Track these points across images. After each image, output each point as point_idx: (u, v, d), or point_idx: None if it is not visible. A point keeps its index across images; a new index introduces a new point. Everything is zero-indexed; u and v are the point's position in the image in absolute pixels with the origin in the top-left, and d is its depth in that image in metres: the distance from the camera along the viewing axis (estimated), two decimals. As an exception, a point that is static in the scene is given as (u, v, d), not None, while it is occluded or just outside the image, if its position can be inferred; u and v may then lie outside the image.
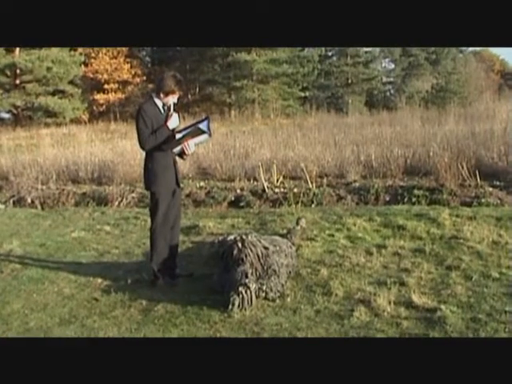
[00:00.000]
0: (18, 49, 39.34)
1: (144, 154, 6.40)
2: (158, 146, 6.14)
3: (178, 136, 6.17)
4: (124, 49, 47.26)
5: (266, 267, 5.68)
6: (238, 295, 5.30)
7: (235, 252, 5.71)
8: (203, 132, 6.20)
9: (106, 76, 45.74)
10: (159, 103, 6.24)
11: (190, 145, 6.24)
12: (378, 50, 60.33)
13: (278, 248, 6.08)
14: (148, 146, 6.12)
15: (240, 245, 5.75)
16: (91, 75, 45.35)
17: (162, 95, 6.20)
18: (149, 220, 9.18)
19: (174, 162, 6.41)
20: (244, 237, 5.85)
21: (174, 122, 6.24)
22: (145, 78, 48.85)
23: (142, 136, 6.09)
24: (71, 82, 42.50)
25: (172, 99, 6.27)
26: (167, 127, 6.16)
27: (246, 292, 5.31)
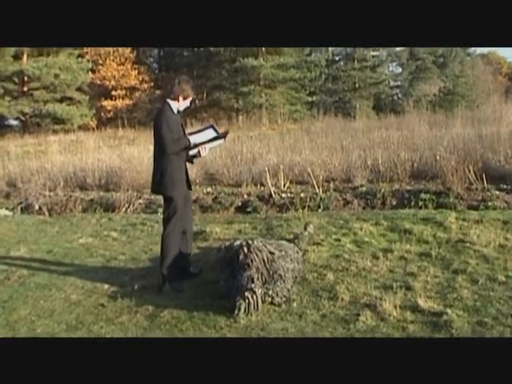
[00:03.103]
0: (25, 56, 39.63)
1: (154, 158, 6.47)
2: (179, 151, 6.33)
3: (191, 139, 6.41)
4: (131, 55, 47.48)
5: (271, 272, 5.68)
6: (244, 300, 5.30)
7: (241, 257, 5.72)
8: (219, 138, 6.52)
9: (113, 82, 45.93)
10: (174, 108, 6.41)
11: (206, 148, 6.52)
12: (385, 54, 60.33)
13: (283, 253, 6.07)
14: (171, 150, 6.25)
15: (246, 250, 5.75)
16: (99, 82, 45.56)
17: (180, 99, 6.41)
18: (156, 226, 9.31)
19: (185, 166, 6.56)
20: (250, 242, 5.86)
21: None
22: (152, 84, 49.04)
23: (166, 141, 6.20)
24: (79, 89, 42.74)
25: (187, 103, 6.56)
26: (188, 139, 6.39)
27: (252, 297, 5.31)
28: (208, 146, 6.54)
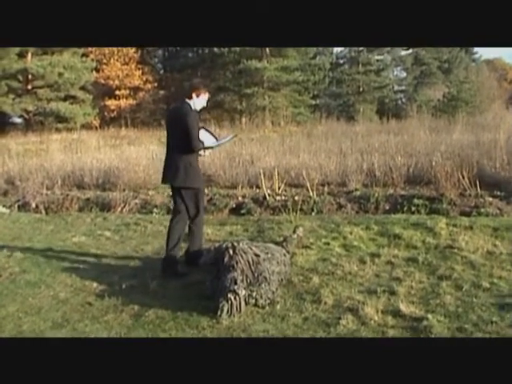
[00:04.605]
0: (29, 54, 39.75)
1: (174, 153, 6.95)
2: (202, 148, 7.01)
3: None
4: (135, 55, 47.58)
5: (256, 274, 5.71)
6: (227, 301, 5.35)
7: (226, 259, 5.77)
8: (227, 141, 7.75)
9: (117, 82, 46.03)
10: (192, 106, 6.92)
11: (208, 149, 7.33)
12: (389, 58, 60.37)
13: (270, 255, 6.11)
14: (198, 147, 6.82)
15: (231, 252, 5.81)
16: (103, 81, 45.64)
17: (194, 97, 6.93)
18: (149, 226, 9.46)
19: None
20: (235, 244, 5.91)
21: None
22: (156, 84, 49.12)
23: (195, 138, 6.70)
24: (82, 88, 42.81)
25: (203, 102, 7.13)
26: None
27: (234, 298, 5.36)
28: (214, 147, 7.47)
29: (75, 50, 42.46)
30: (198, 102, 7.00)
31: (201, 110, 7.13)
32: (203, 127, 7.21)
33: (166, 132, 7.21)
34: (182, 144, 6.75)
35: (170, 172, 6.96)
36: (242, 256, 5.75)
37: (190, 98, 6.92)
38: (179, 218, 7.00)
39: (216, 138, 7.34)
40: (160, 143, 22.69)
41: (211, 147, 7.27)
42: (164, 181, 7.24)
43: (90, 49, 45.22)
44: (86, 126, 40.77)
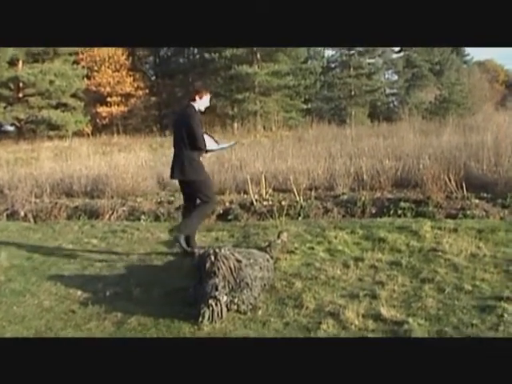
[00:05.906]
0: (20, 62, 39.74)
1: (179, 151, 7.54)
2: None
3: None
4: (127, 62, 47.64)
5: (238, 280, 5.75)
6: (208, 307, 5.37)
7: (208, 265, 5.81)
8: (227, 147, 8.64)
9: (108, 89, 46.06)
10: (196, 108, 7.54)
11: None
12: (381, 61, 60.44)
13: (252, 261, 6.13)
14: (202, 145, 7.42)
15: (213, 258, 5.83)
16: (94, 88, 45.68)
17: (197, 99, 7.56)
18: (136, 233, 9.44)
19: None
20: (217, 250, 5.94)
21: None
22: (147, 90, 49.15)
23: (200, 137, 7.37)
24: (74, 95, 42.89)
25: (206, 102, 7.73)
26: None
27: (216, 304, 5.38)
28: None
29: (66, 57, 42.61)
30: (202, 103, 7.62)
31: (205, 111, 7.73)
32: (205, 132, 7.67)
33: (173, 134, 7.79)
34: (186, 143, 7.38)
35: (177, 168, 7.56)
36: (223, 262, 5.78)
37: (194, 100, 7.53)
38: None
39: (217, 143, 7.89)
40: (151, 149, 22.72)
41: (212, 150, 7.90)
42: (172, 176, 7.78)
43: (80, 56, 45.35)
44: (78, 134, 40.79)
